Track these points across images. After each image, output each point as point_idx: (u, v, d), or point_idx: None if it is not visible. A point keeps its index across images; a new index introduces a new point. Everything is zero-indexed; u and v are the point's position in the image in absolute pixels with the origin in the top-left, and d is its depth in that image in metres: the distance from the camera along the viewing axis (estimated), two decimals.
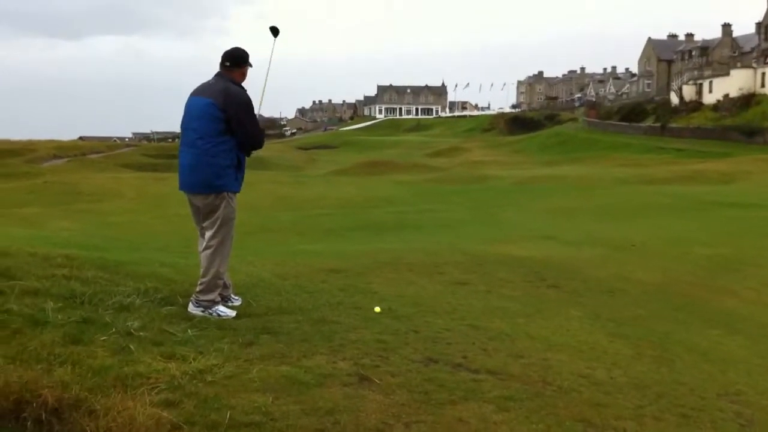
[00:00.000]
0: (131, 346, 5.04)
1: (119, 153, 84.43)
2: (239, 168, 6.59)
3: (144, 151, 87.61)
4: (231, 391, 4.49)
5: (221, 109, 6.38)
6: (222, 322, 6.07)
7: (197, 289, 6.51)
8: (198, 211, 6.72)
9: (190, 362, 4.88)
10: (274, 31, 7.30)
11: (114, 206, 31.96)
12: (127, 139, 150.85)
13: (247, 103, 6.51)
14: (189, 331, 5.64)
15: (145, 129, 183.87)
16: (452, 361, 5.55)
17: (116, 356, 4.85)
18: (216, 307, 6.47)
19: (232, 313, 6.50)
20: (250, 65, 6.74)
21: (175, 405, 4.22)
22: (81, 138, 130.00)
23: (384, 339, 5.94)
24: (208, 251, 6.57)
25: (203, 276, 6.53)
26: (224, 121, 6.38)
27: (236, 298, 6.93)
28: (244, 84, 6.68)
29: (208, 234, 6.61)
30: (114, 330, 5.35)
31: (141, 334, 5.38)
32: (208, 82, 6.61)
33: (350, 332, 6.08)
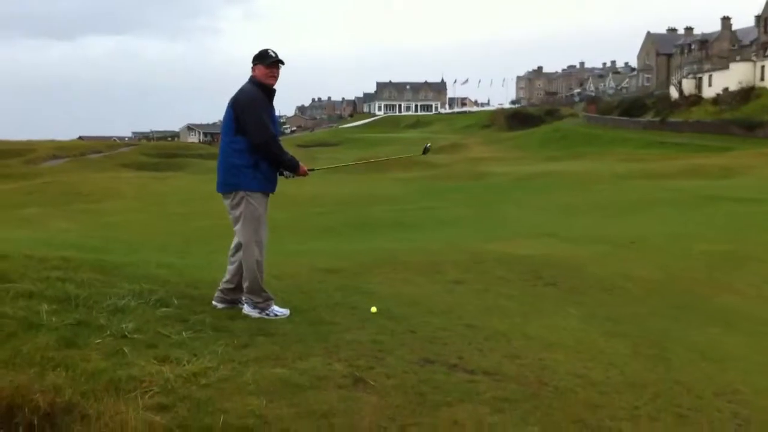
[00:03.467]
0: (125, 349, 5.02)
1: (119, 153, 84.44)
2: (257, 168, 6.52)
3: (144, 151, 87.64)
4: (225, 395, 4.47)
5: (233, 108, 6.48)
6: (217, 324, 6.05)
7: (245, 288, 6.61)
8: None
9: (184, 365, 4.86)
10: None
11: (113, 206, 31.97)
12: (126, 139, 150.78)
13: (248, 102, 6.47)
14: (184, 333, 5.62)
15: (145, 128, 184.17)
16: (448, 361, 5.53)
17: (110, 359, 4.83)
18: (272, 308, 6.59)
19: (287, 312, 6.62)
20: (274, 62, 6.63)
21: (168, 409, 4.20)
22: (80, 138, 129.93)
23: (380, 340, 5.92)
24: (239, 252, 6.64)
25: (243, 277, 6.61)
26: (236, 121, 6.46)
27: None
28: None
29: (235, 232, 6.69)
30: (108, 333, 5.33)
31: (135, 336, 5.36)
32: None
33: (346, 333, 6.06)
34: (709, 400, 5.32)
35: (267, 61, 6.61)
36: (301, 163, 6.75)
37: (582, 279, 9.91)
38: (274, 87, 6.69)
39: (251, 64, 6.66)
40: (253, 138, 6.44)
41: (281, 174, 6.79)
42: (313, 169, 7.04)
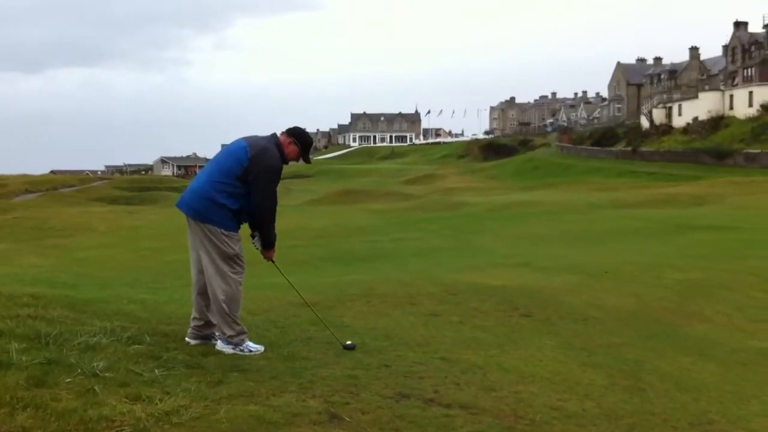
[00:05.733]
0: (96, 388, 4.94)
1: (91, 186, 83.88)
2: (239, 213, 6.49)
3: (116, 184, 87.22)
4: None
5: (249, 158, 6.37)
6: (190, 361, 5.98)
7: (216, 324, 6.54)
8: (192, 236, 6.65)
9: (157, 403, 4.78)
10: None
11: (85, 241, 31.68)
12: (99, 172, 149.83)
13: (273, 168, 6.45)
14: (156, 370, 5.54)
15: (118, 161, 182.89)
16: (424, 396, 5.49)
17: (81, 399, 4.75)
18: (246, 343, 6.50)
19: (261, 348, 6.54)
20: (306, 160, 6.85)
21: None
22: (53, 172, 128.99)
23: (355, 374, 5.88)
24: (210, 288, 6.53)
25: (212, 311, 6.56)
26: (245, 170, 6.36)
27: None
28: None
29: (206, 269, 6.54)
30: (79, 371, 5.24)
31: (107, 375, 5.28)
32: (259, 135, 6.68)
33: (321, 368, 6.02)
34: (684, 431, 5.32)
35: (303, 145, 6.72)
36: (275, 247, 6.78)
37: (556, 309, 9.92)
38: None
39: (283, 131, 6.69)
40: (259, 202, 6.43)
41: (252, 237, 6.74)
42: (273, 262, 6.90)
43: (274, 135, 6.68)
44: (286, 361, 6.19)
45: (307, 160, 6.96)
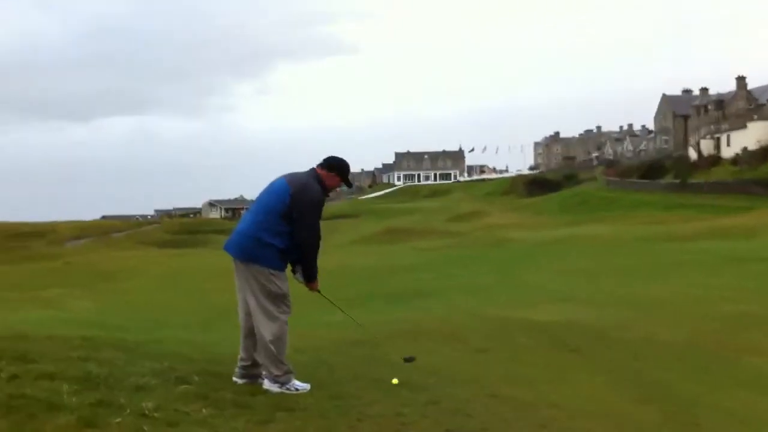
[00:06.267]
0: (145, 428, 4.95)
1: (141, 231, 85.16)
2: (286, 252, 6.55)
3: (166, 228, 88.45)
4: None
5: (291, 195, 6.45)
6: (238, 400, 5.98)
7: (262, 363, 6.56)
8: (239, 279, 6.70)
9: None
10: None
11: (135, 284, 32.08)
12: (149, 217, 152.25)
13: (315, 203, 6.53)
14: (204, 410, 5.55)
15: (167, 206, 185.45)
16: None
17: None
18: (293, 382, 6.52)
19: (307, 386, 6.55)
20: (348, 184, 6.91)
21: None
22: (103, 217, 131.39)
23: (402, 412, 5.82)
24: (257, 329, 6.57)
25: (258, 352, 6.59)
26: (288, 207, 6.44)
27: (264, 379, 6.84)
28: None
29: (253, 311, 6.60)
30: (128, 411, 5.27)
31: (155, 415, 5.30)
32: (299, 172, 6.76)
33: (369, 406, 5.98)
34: None
35: (342, 173, 6.78)
36: (317, 279, 6.83)
37: (606, 344, 9.77)
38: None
39: (321, 162, 6.75)
40: (302, 237, 6.49)
41: (294, 272, 6.79)
42: (319, 291, 6.96)
43: (312, 170, 6.75)
44: (333, 400, 6.17)
45: (349, 185, 7.02)
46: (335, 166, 6.77)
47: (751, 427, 6.42)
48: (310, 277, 6.74)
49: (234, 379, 6.73)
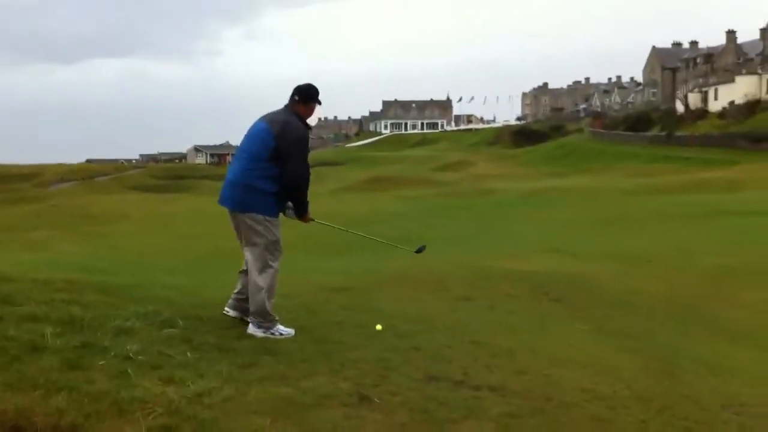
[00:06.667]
0: (129, 371, 5.00)
1: (127, 175, 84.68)
2: (278, 196, 6.57)
3: (151, 173, 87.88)
4: (229, 415, 4.45)
5: (274, 138, 6.43)
6: (222, 344, 6.04)
7: (251, 309, 6.60)
8: (237, 229, 6.75)
9: (189, 385, 4.84)
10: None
11: (120, 228, 32.04)
12: (134, 161, 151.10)
13: (300, 140, 6.52)
14: (188, 353, 5.60)
15: (152, 150, 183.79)
16: (453, 378, 5.51)
17: (114, 381, 4.81)
18: (277, 327, 6.57)
19: (292, 332, 6.61)
20: (319, 103, 6.81)
21: (173, 430, 4.18)
22: (88, 161, 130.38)
23: (385, 357, 5.90)
24: (253, 279, 6.60)
25: (250, 300, 6.61)
26: (274, 150, 6.43)
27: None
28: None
29: (247, 255, 6.66)
30: (113, 354, 5.31)
31: (140, 357, 5.34)
32: (274, 111, 6.72)
33: (351, 351, 6.04)
34: (715, 413, 5.29)
35: (313, 101, 6.73)
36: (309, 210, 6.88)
37: (588, 294, 9.87)
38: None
39: (294, 97, 6.69)
40: (292, 175, 6.48)
41: (283, 210, 6.82)
42: (314, 219, 7.04)
43: (287, 107, 6.70)
44: (316, 345, 6.23)
45: (319, 103, 6.88)
46: (307, 94, 6.71)
47: (723, 376, 6.54)
48: (302, 212, 6.79)
49: (225, 309, 6.80)
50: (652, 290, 10.68)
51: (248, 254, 6.65)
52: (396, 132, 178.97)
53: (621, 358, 6.73)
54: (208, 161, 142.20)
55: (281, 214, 6.80)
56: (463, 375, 5.60)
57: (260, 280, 6.55)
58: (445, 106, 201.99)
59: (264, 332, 6.51)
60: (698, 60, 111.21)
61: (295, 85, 6.78)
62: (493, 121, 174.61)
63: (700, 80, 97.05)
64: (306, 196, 6.71)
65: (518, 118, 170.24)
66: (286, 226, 6.83)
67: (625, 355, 6.83)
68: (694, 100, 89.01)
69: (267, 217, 6.53)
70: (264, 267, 6.57)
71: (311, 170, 6.72)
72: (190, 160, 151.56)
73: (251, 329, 6.58)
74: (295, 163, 6.45)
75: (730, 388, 6.08)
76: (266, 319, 6.55)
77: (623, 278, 11.34)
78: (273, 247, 6.58)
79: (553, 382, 5.61)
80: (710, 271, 12.36)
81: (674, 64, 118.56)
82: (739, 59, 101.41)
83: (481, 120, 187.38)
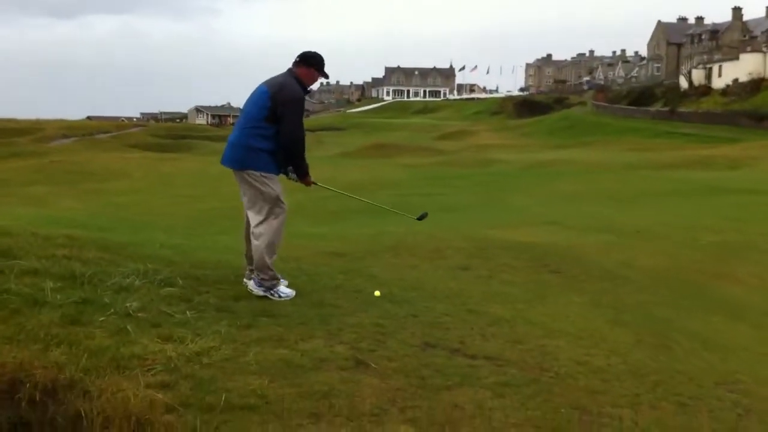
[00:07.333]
0: (129, 328, 5.04)
1: (127, 133, 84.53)
2: (275, 154, 6.63)
3: (152, 132, 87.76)
4: (227, 374, 4.49)
5: (270, 98, 6.52)
6: (221, 305, 6.07)
7: (254, 265, 6.66)
8: (239, 185, 6.84)
9: (187, 344, 4.88)
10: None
11: (121, 186, 32.06)
12: (135, 119, 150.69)
13: (295, 100, 6.59)
14: (188, 312, 5.64)
15: (153, 109, 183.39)
16: (450, 346, 5.54)
17: (113, 337, 4.85)
18: (278, 288, 6.63)
19: (292, 293, 6.65)
20: (325, 76, 6.90)
21: (171, 387, 4.23)
22: (89, 118, 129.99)
23: (382, 323, 5.93)
24: (253, 230, 6.69)
25: (253, 252, 6.68)
26: (269, 110, 6.51)
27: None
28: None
29: (249, 213, 6.76)
30: (112, 311, 5.35)
31: (139, 315, 5.38)
32: (276, 75, 6.78)
33: (349, 316, 6.08)
34: (710, 389, 5.32)
35: (318, 67, 6.79)
36: (310, 174, 6.92)
37: (586, 267, 9.89)
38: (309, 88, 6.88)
39: (296, 60, 6.76)
40: (286, 134, 6.55)
41: (286, 173, 6.87)
42: (316, 183, 7.07)
43: (289, 70, 6.78)
44: (314, 308, 6.26)
45: (326, 76, 7.01)
46: (310, 60, 6.79)
47: (719, 352, 6.58)
48: (302, 173, 6.85)
49: (244, 281, 6.84)
50: (650, 265, 10.70)
51: (249, 212, 6.74)
52: (398, 99, 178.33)
53: (616, 331, 6.76)
54: (209, 122, 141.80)
55: (283, 176, 6.85)
56: (459, 343, 5.64)
57: (262, 238, 6.61)
58: (447, 74, 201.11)
59: (264, 291, 6.55)
60: (703, 36, 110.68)
61: (300, 51, 6.86)
62: (496, 91, 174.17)
63: (705, 56, 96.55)
64: (303, 158, 6.76)
65: (521, 89, 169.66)
66: (287, 192, 6.84)
67: (621, 329, 6.86)
68: (698, 76, 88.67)
69: (264, 173, 6.60)
70: (263, 221, 6.64)
71: (313, 135, 6.76)
72: (191, 120, 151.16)
73: (251, 285, 6.65)
74: (288, 123, 6.53)
75: (726, 365, 6.11)
76: (267, 276, 6.58)
77: (621, 252, 11.36)
78: (273, 203, 6.64)
79: (548, 353, 5.65)
80: (709, 248, 12.38)
81: (679, 40, 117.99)
82: (744, 36, 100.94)
83: (484, 90, 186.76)
